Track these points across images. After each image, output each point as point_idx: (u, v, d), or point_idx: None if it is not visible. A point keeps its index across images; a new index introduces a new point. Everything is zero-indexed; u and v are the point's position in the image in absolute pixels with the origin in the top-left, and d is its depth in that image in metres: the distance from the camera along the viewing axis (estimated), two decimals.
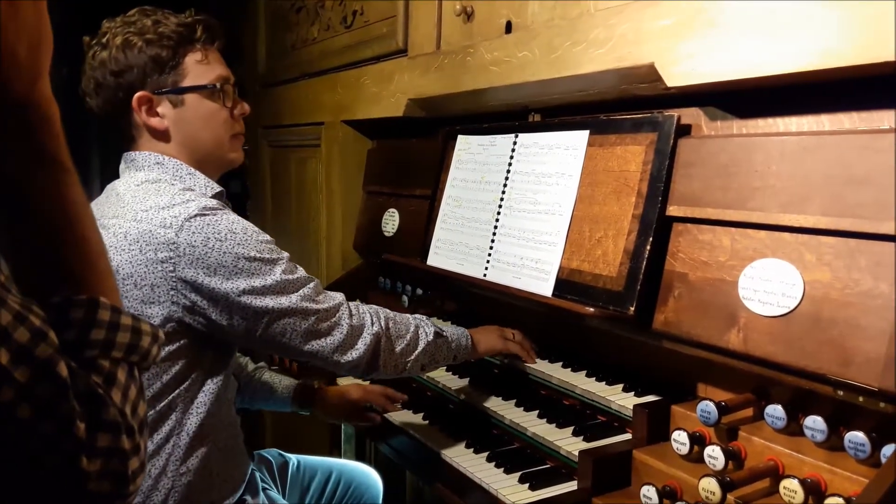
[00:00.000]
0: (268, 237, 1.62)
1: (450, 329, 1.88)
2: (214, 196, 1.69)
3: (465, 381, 2.10)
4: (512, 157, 2.08)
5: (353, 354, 1.65)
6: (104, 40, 1.66)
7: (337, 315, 1.65)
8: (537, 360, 1.99)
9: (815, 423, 1.28)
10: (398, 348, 1.73)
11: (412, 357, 1.76)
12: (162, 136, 1.70)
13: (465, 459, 1.75)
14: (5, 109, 0.77)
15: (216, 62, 1.75)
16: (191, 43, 1.70)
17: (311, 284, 1.63)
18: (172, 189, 1.61)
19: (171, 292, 1.52)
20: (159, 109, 1.68)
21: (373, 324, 1.69)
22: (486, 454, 1.76)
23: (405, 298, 2.56)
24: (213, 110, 1.73)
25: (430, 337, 1.80)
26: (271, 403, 2.17)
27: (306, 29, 3.39)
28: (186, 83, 1.69)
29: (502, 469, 1.68)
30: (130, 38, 1.64)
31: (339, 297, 1.69)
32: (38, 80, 0.79)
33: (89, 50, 1.68)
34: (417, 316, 1.86)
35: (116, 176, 1.76)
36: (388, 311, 1.78)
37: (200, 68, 1.71)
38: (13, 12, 0.76)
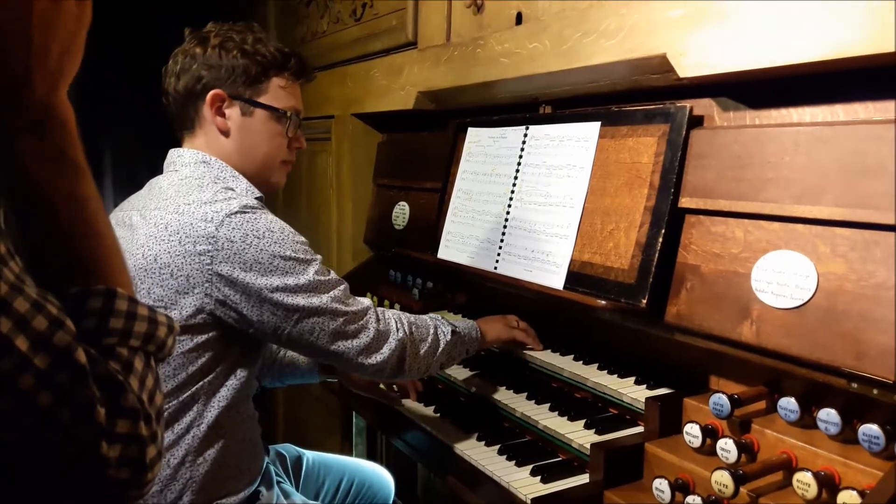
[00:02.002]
0: (303, 238, 1.66)
1: (460, 324, 1.92)
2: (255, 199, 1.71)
3: (475, 374, 2.10)
4: (523, 150, 2.08)
5: (377, 358, 1.68)
6: (204, 36, 1.75)
7: (365, 318, 1.68)
8: (549, 353, 1.99)
9: (828, 416, 1.27)
10: (422, 351, 1.77)
11: (434, 358, 1.80)
12: (222, 133, 1.76)
13: (476, 452, 1.75)
14: (29, 109, 0.80)
15: (296, 95, 1.85)
16: (281, 69, 1.80)
17: (342, 287, 1.67)
18: (215, 187, 1.65)
19: (206, 284, 1.54)
20: (228, 111, 1.75)
21: (398, 329, 1.72)
22: (497, 447, 1.76)
23: (416, 291, 2.56)
24: (276, 132, 1.81)
25: (448, 336, 1.84)
26: (298, 377, 2.19)
27: (316, 22, 3.39)
28: (263, 100, 1.78)
29: (514, 462, 1.68)
30: (228, 44, 1.74)
31: (367, 302, 1.72)
32: (60, 86, 0.83)
33: (188, 40, 1.77)
34: (433, 315, 1.89)
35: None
36: (409, 314, 1.81)
37: (281, 93, 1.80)
38: (54, 13, 0.79)
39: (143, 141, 1.85)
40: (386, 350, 1.69)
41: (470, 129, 2.32)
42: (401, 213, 2.70)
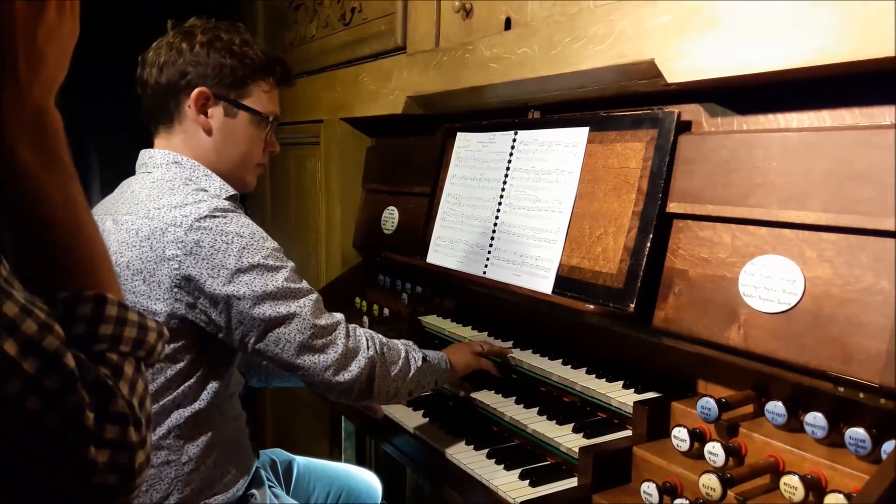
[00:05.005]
0: (275, 244, 1.62)
1: (430, 353, 1.87)
2: (228, 199, 1.70)
3: (464, 379, 2.09)
4: (511, 155, 2.08)
5: (345, 376, 1.63)
6: (189, 31, 1.73)
7: (334, 334, 1.63)
8: (537, 357, 1.99)
9: (815, 420, 1.28)
10: (392, 373, 1.71)
11: (404, 382, 1.75)
12: (205, 132, 1.75)
13: (465, 456, 1.75)
14: (29, 115, 0.81)
15: (276, 100, 1.86)
16: (267, 74, 1.81)
17: (313, 297, 1.63)
18: (186, 189, 1.62)
19: (175, 289, 1.53)
20: (211, 110, 1.74)
21: (368, 348, 1.67)
22: (486, 451, 1.76)
23: (405, 296, 2.56)
24: (255, 135, 1.81)
25: (419, 362, 1.79)
26: (285, 381, 2.17)
27: (305, 26, 3.39)
28: (247, 103, 1.78)
29: (503, 466, 1.68)
30: (216, 43, 1.72)
31: (338, 316, 1.67)
32: (54, 91, 0.84)
33: (172, 34, 1.74)
34: (404, 341, 1.84)
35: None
36: (380, 335, 1.76)
37: (264, 97, 1.81)
38: (40, 15, 0.81)
39: (129, 142, 1.84)
40: (355, 368, 1.63)
41: (459, 134, 2.33)
42: (390, 217, 2.70)
